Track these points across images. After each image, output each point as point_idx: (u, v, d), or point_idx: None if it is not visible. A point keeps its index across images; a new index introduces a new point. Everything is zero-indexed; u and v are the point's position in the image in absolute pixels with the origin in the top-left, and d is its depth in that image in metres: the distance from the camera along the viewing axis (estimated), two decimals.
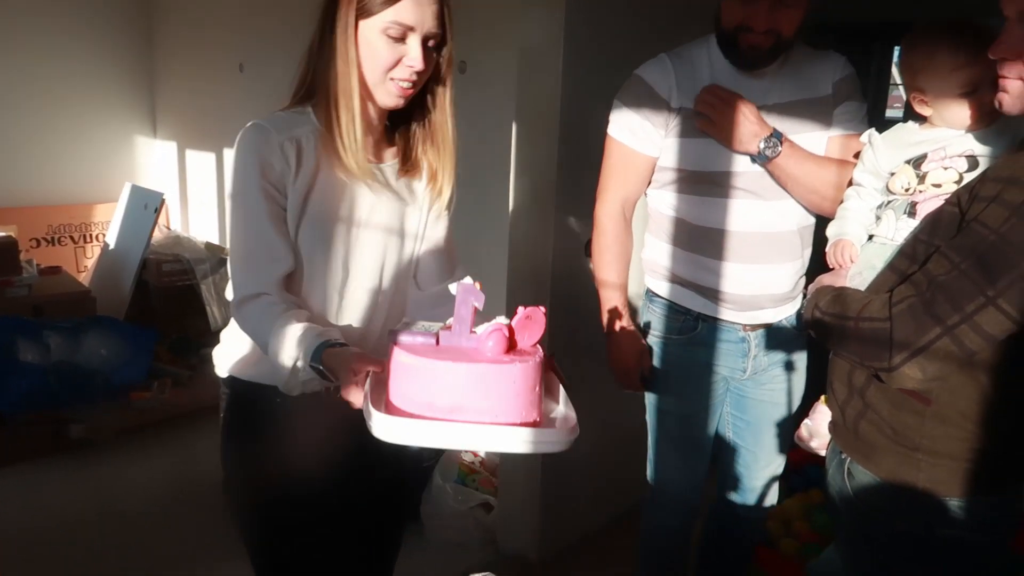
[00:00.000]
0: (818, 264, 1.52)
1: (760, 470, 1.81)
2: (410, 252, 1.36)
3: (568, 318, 2.17)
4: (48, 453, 2.91)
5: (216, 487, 2.49)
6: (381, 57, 1.17)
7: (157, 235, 3.84)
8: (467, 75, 2.77)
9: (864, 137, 1.38)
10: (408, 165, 1.32)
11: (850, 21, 3.28)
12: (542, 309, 1.03)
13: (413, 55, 1.17)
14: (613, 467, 2.57)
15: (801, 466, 2.52)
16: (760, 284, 1.61)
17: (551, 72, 2.11)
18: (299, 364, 1.12)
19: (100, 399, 3.13)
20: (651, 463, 1.84)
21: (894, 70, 4.06)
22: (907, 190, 1.25)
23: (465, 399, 0.93)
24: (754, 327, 1.67)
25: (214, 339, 1.40)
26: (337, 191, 1.24)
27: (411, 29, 1.16)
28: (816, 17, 1.54)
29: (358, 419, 1.39)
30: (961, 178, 1.20)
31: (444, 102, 1.29)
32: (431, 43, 1.20)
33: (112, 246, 4.02)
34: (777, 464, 1.81)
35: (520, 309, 1.02)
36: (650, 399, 1.77)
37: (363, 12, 1.16)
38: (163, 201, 3.84)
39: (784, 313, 1.68)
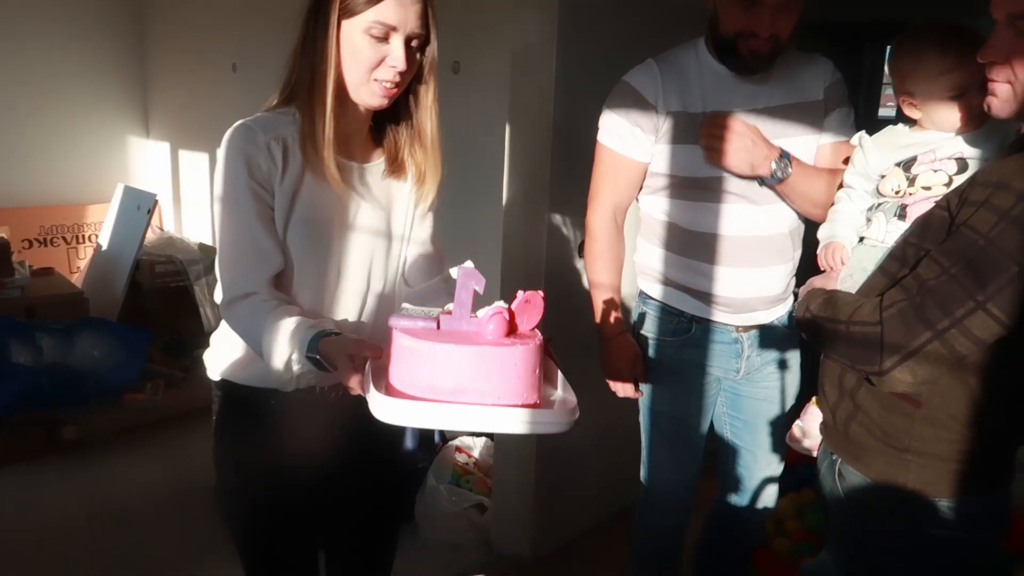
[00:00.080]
0: (808, 265, 1.53)
1: (760, 470, 1.82)
2: (398, 251, 1.37)
3: (561, 318, 2.17)
4: (41, 455, 2.90)
5: (209, 488, 2.48)
6: (364, 57, 1.17)
7: (150, 236, 3.83)
8: (461, 76, 2.78)
9: (854, 139, 1.39)
10: (394, 166, 1.33)
11: (842, 21, 3.29)
12: (540, 293, 1.04)
13: (396, 55, 1.17)
14: (606, 467, 2.58)
15: (794, 465, 2.52)
16: (753, 287, 1.62)
17: (544, 73, 2.11)
18: (295, 356, 1.12)
19: (93, 400, 3.13)
20: (645, 463, 1.84)
21: (887, 69, 4.08)
22: (897, 193, 1.26)
23: (468, 381, 0.95)
24: (747, 328, 1.68)
25: (207, 340, 1.39)
26: (324, 191, 1.23)
27: (394, 29, 1.16)
28: (808, 17, 1.55)
29: (351, 420, 1.39)
30: (951, 181, 1.21)
31: (427, 102, 1.29)
32: (414, 43, 1.20)
33: (105, 247, 4.02)
34: (776, 464, 1.82)
35: (519, 293, 1.04)
36: (644, 400, 1.78)
37: (346, 12, 1.16)
38: (156, 202, 3.83)
39: (776, 314, 1.69)
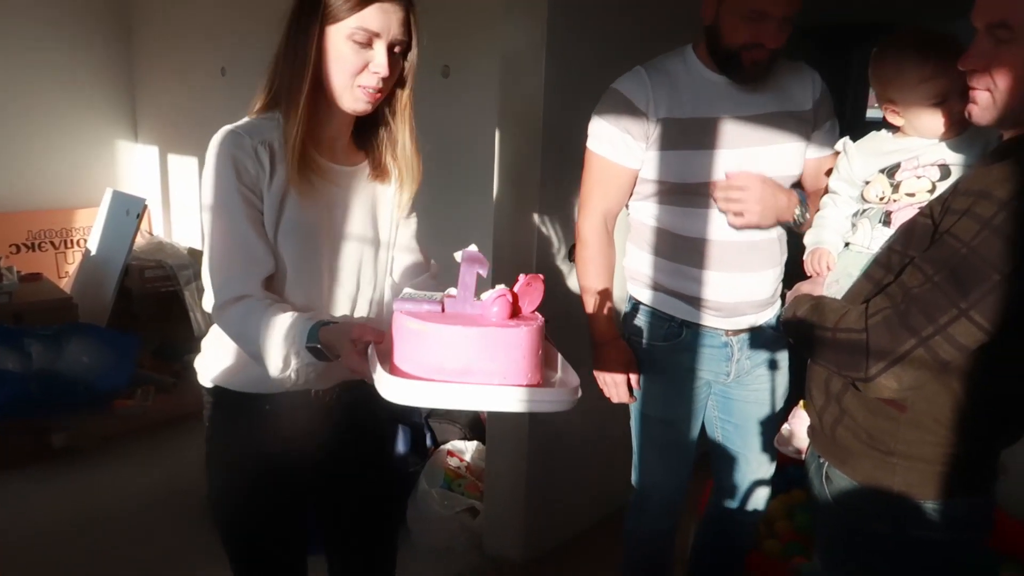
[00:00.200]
0: (796, 269, 1.54)
1: (751, 472, 1.83)
2: (386, 252, 1.38)
3: (552, 322, 2.18)
4: (31, 461, 2.89)
5: (200, 494, 2.48)
6: (348, 62, 1.19)
7: (139, 241, 3.82)
8: (451, 79, 2.79)
9: (839, 145, 1.40)
10: (378, 170, 1.34)
11: (829, 24, 3.32)
12: (541, 276, 1.06)
13: (379, 61, 1.19)
14: (598, 471, 2.59)
15: (783, 467, 2.54)
16: (743, 291, 1.63)
17: (534, 77, 2.12)
18: (294, 348, 1.13)
19: (83, 407, 3.11)
20: (635, 467, 1.85)
21: (869, 76, 4.11)
22: (882, 199, 1.27)
23: (475, 362, 0.97)
24: (736, 332, 1.69)
25: (198, 345, 1.40)
26: (312, 195, 1.24)
27: (377, 35, 1.18)
28: (795, 21, 1.57)
29: (344, 424, 1.41)
30: (934, 187, 1.23)
31: (404, 107, 1.31)
32: (397, 49, 1.22)
33: (94, 252, 4.00)
34: (767, 466, 1.83)
35: (521, 276, 1.06)
36: (634, 404, 1.78)
37: (330, 18, 1.17)
38: (145, 207, 3.82)
39: (765, 317, 1.70)
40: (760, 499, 1.86)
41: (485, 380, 0.97)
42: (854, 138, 1.39)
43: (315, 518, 1.49)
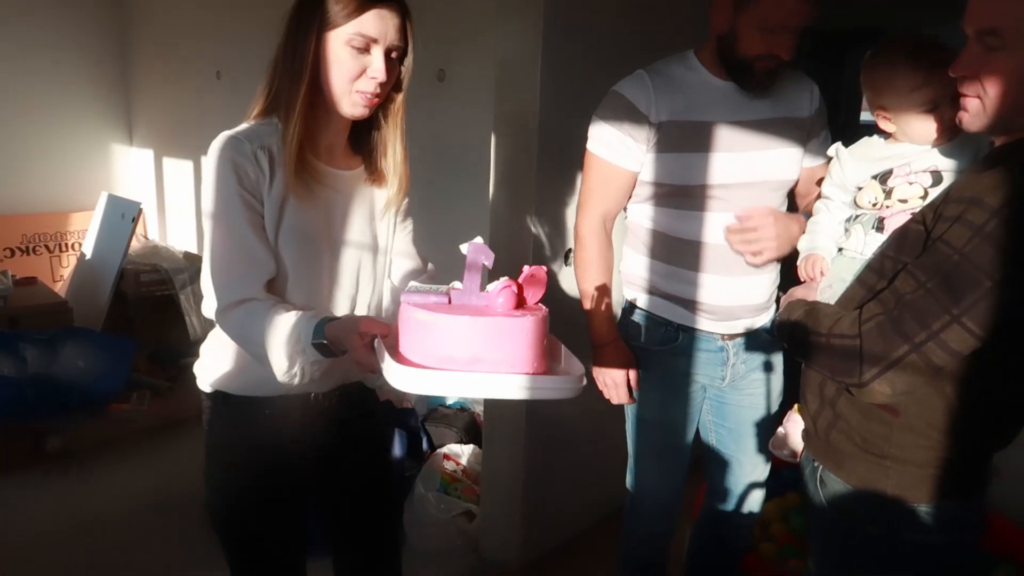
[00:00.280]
0: (790, 273, 1.56)
1: (745, 476, 1.84)
2: (384, 254, 1.40)
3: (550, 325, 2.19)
4: (26, 466, 2.87)
5: (196, 498, 2.47)
6: (346, 68, 1.20)
7: (134, 245, 3.81)
8: (446, 83, 2.79)
9: (831, 151, 1.41)
10: (375, 174, 1.36)
11: (823, 28, 3.33)
12: (544, 268, 1.08)
13: (376, 66, 1.21)
14: (593, 474, 2.59)
15: (778, 470, 2.55)
16: (739, 295, 1.64)
17: (529, 81, 2.13)
18: (300, 346, 1.14)
19: (78, 411, 3.09)
20: (631, 471, 1.86)
21: (861, 82, 4.14)
22: (874, 205, 1.28)
23: (483, 351, 0.99)
24: (732, 336, 1.70)
25: (193, 349, 1.40)
26: (312, 198, 1.26)
27: (374, 41, 1.20)
28: None
29: (343, 427, 1.42)
30: (926, 193, 1.24)
31: (398, 112, 1.33)
32: (394, 55, 1.24)
33: (89, 256, 3.99)
34: (761, 469, 1.85)
35: (525, 268, 1.08)
36: (630, 409, 1.79)
37: (328, 24, 1.19)
38: (140, 211, 3.81)
39: (760, 321, 1.71)
40: (754, 502, 1.87)
41: (492, 369, 0.99)
42: (848, 142, 1.40)
43: (315, 521, 1.50)
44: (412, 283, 1.15)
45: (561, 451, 2.48)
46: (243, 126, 1.26)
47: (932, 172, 1.25)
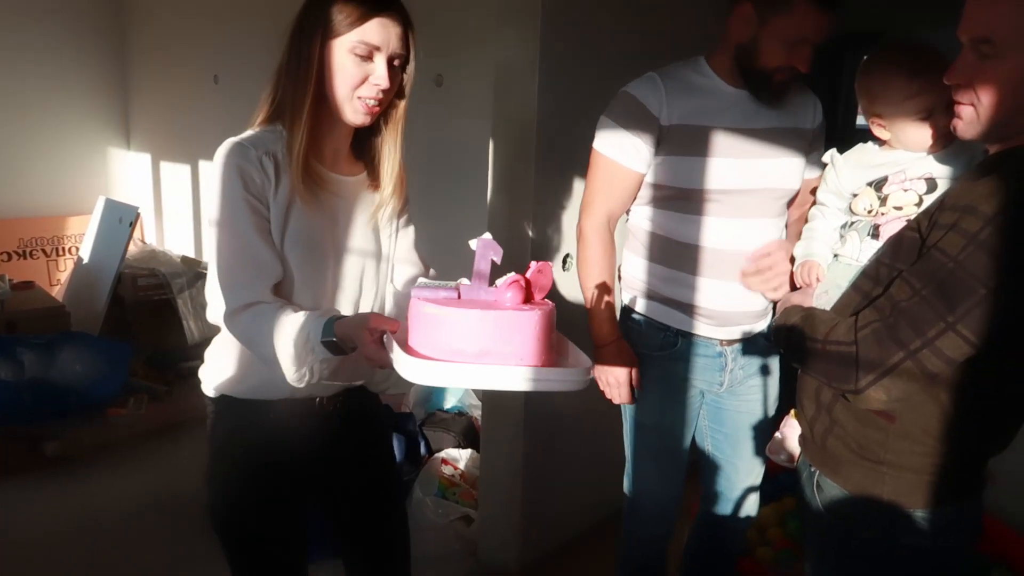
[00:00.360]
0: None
1: (741, 481, 1.84)
2: (387, 257, 1.42)
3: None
4: (23, 470, 2.86)
5: (194, 502, 2.47)
6: (349, 75, 1.22)
7: (132, 249, 3.80)
8: (444, 88, 2.80)
9: (826, 157, 1.43)
10: (376, 180, 1.38)
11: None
12: (551, 264, 1.10)
13: (379, 73, 1.23)
14: (591, 477, 2.60)
15: (775, 474, 2.56)
16: (739, 300, 1.65)
17: (527, 87, 2.14)
18: (309, 345, 1.15)
19: (75, 415, 3.08)
20: (629, 475, 1.86)
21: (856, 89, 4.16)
22: (869, 212, 1.29)
23: (492, 344, 1.01)
24: (730, 342, 1.71)
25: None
26: (317, 203, 1.28)
27: (377, 49, 1.22)
28: None
29: (348, 431, 1.44)
30: (921, 200, 1.25)
31: (399, 119, 1.35)
32: (396, 62, 1.26)
33: (86, 260, 3.98)
34: (757, 473, 1.85)
35: (532, 264, 1.10)
36: (628, 412, 1.79)
37: (332, 32, 1.21)
38: (138, 215, 3.81)
39: (758, 327, 1.72)
40: (750, 506, 1.88)
41: (502, 362, 1.02)
42: (844, 147, 1.41)
43: (321, 525, 1.51)
44: (421, 279, 1.18)
45: (559, 455, 2.48)
46: (248, 132, 1.27)
47: (927, 179, 1.26)
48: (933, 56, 1.24)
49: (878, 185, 1.29)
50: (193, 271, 3.72)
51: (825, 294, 1.30)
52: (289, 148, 1.24)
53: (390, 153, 1.36)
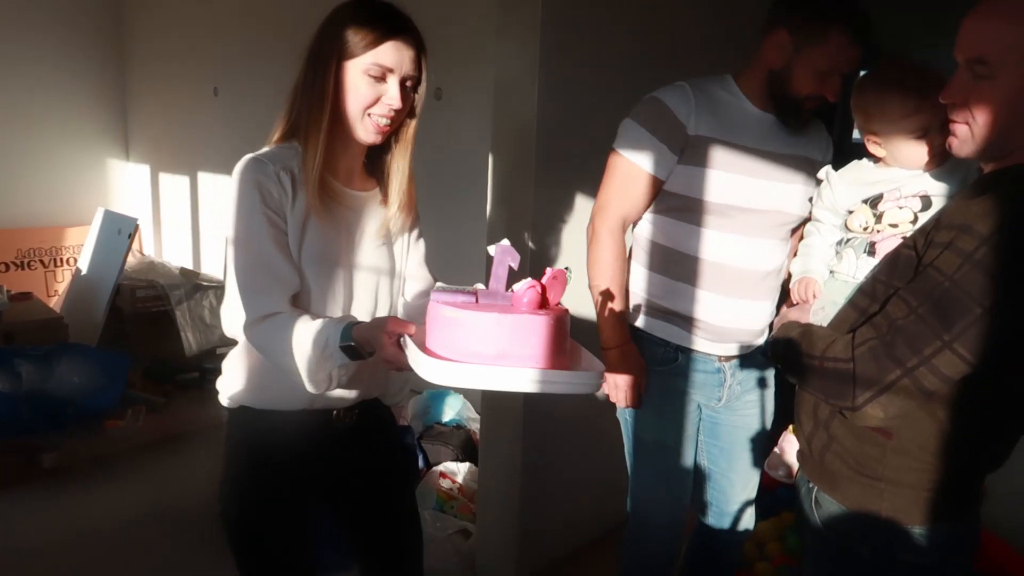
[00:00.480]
0: (782, 295, 1.58)
1: (737, 494, 1.84)
2: (400, 270, 1.46)
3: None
4: (20, 482, 2.85)
5: (192, 513, 2.47)
6: (362, 95, 1.26)
7: (130, 260, 3.80)
8: (444, 102, 2.82)
9: (821, 174, 1.44)
10: (388, 196, 1.41)
11: None
12: (565, 270, 1.12)
13: (392, 94, 1.27)
14: (590, 491, 2.60)
15: (773, 489, 2.56)
16: (735, 316, 1.65)
17: (526, 100, 2.15)
18: (327, 351, 1.18)
19: (73, 427, 3.07)
20: (633, 494, 1.83)
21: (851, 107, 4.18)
22: (865, 229, 1.30)
23: (509, 347, 1.04)
24: (728, 358, 1.71)
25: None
26: (332, 218, 1.32)
27: (390, 71, 1.26)
28: None
29: (364, 444, 1.46)
30: (916, 218, 1.26)
31: (410, 137, 1.39)
32: (408, 83, 1.30)
33: (84, 271, 3.98)
34: (753, 486, 1.85)
35: (548, 270, 1.12)
36: (629, 429, 1.79)
37: (347, 54, 1.25)
38: (137, 226, 3.81)
39: (756, 343, 1.73)
40: (747, 519, 1.87)
41: (518, 364, 1.04)
42: (840, 161, 1.43)
43: (336, 534, 1.53)
44: (439, 284, 1.20)
45: (557, 469, 2.48)
46: (264, 149, 1.31)
47: (922, 197, 1.27)
48: (929, 75, 1.25)
49: (873, 202, 1.30)
50: (191, 283, 3.73)
51: (822, 310, 1.31)
52: (305, 164, 1.27)
53: (399, 170, 1.39)
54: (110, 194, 4.62)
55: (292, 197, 1.28)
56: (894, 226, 1.27)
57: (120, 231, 3.84)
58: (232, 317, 1.30)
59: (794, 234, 1.71)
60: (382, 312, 1.42)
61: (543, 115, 2.15)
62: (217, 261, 4.08)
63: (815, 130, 1.69)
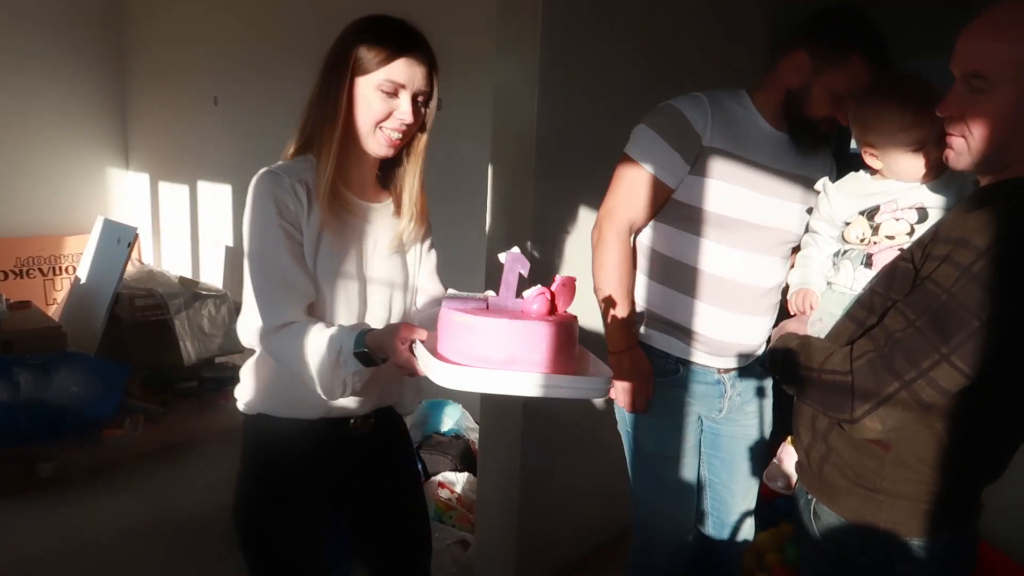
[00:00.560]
0: (781, 310, 1.58)
1: (737, 504, 1.84)
2: (412, 281, 1.48)
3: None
4: (18, 492, 2.84)
5: (191, 523, 2.47)
6: (374, 110, 1.29)
7: (129, 269, 3.80)
8: (444, 113, 2.82)
9: (818, 185, 1.44)
10: (401, 207, 1.44)
11: None
12: (574, 278, 1.14)
13: (404, 109, 1.30)
14: (590, 502, 2.59)
15: (772, 500, 2.56)
16: (734, 331, 1.66)
17: (527, 111, 2.16)
18: (341, 357, 1.20)
19: (71, 436, 3.07)
20: (636, 507, 1.81)
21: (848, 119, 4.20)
22: (862, 240, 1.31)
23: (519, 352, 1.06)
24: (727, 370, 1.72)
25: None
26: (346, 229, 1.34)
27: (403, 86, 1.29)
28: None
29: (380, 453, 1.48)
30: (912, 230, 1.26)
31: (421, 151, 1.41)
32: (420, 99, 1.33)
33: (83, 280, 3.98)
34: (752, 497, 1.85)
35: (557, 277, 1.14)
36: (631, 442, 1.78)
37: (361, 70, 1.28)
38: (136, 235, 3.82)
39: (755, 355, 1.74)
40: (747, 530, 1.87)
41: (527, 369, 1.05)
42: (838, 169, 1.43)
43: (349, 541, 1.55)
44: (451, 290, 1.21)
45: (557, 479, 2.48)
46: (280, 163, 1.34)
47: (918, 209, 1.28)
48: (925, 88, 1.26)
49: (870, 214, 1.31)
50: (190, 292, 3.72)
51: (819, 321, 1.31)
52: (318, 177, 1.30)
53: (411, 183, 1.42)
54: (109, 203, 4.63)
55: (308, 209, 1.30)
56: (891, 238, 1.27)
57: (119, 240, 3.84)
58: (249, 327, 1.32)
59: (793, 252, 1.72)
60: (395, 320, 1.44)
61: (542, 125, 2.16)
62: (216, 270, 4.09)
63: (822, 152, 1.70)
